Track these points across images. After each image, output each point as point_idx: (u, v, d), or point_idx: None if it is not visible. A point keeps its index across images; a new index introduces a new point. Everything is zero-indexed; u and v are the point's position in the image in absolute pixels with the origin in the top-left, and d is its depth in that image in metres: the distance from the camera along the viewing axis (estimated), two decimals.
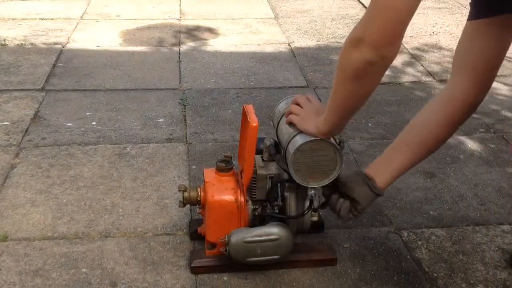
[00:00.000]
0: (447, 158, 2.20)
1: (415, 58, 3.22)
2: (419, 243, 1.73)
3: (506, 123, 2.51)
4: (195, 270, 1.56)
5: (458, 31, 3.65)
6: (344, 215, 1.49)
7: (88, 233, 1.73)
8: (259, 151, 1.57)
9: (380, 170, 1.47)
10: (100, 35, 3.55)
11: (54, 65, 3.04)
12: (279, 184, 1.56)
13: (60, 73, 2.95)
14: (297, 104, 1.51)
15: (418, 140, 1.47)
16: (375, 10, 1.18)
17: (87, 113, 2.51)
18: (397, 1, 1.15)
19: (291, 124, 1.50)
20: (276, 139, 1.64)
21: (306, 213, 1.55)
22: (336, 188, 1.51)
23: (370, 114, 2.50)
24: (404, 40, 1.44)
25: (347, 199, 1.48)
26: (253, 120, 1.43)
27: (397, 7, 1.16)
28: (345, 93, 1.33)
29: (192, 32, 3.67)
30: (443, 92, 1.46)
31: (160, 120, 2.47)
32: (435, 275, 1.59)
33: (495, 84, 2.90)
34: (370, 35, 1.19)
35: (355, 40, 1.22)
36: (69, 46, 3.35)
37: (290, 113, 1.50)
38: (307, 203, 1.52)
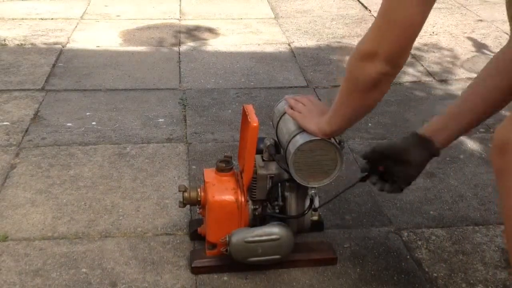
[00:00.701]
0: (447, 158, 2.20)
1: (415, 58, 3.22)
2: (419, 243, 1.73)
3: None
4: (195, 270, 1.56)
5: (458, 31, 3.67)
6: (390, 189, 1.48)
7: (88, 233, 1.73)
8: (259, 151, 1.57)
9: (438, 131, 1.44)
10: (100, 35, 3.55)
11: (54, 65, 3.04)
12: (279, 184, 1.56)
13: (60, 73, 2.95)
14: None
15: (480, 97, 1.43)
16: (389, 24, 1.18)
17: (87, 113, 2.51)
18: (413, 15, 1.15)
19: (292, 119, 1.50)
20: (276, 139, 1.64)
21: (306, 213, 1.56)
22: (377, 162, 1.48)
23: (370, 114, 2.48)
24: None
25: (392, 173, 1.45)
26: (254, 120, 1.43)
27: (413, 21, 1.16)
28: (354, 103, 1.34)
29: (192, 32, 3.67)
30: (501, 50, 1.43)
31: (160, 120, 2.47)
32: (435, 275, 1.59)
33: None
34: (385, 49, 1.19)
35: (368, 54, 1.21)
36: (69, 46, 3.35)
37: (291, 108, 1.51)
38: (307, 203, 1.52)
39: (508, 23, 1.31)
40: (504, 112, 1.41)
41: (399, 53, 1.21)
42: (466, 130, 1.46)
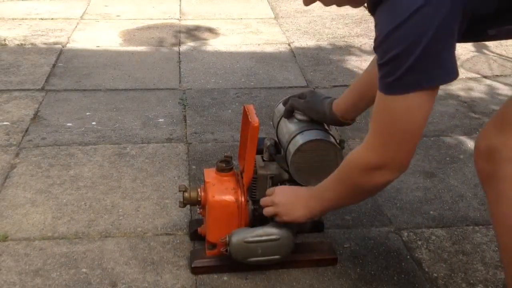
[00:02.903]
0: (447, 158, 2.20)
1: None
2: (419, 243, 1.72)
3: None
4: (195, 271, 1.56)
5: None
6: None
7: (88, 233, 1.73)
8: (259, 151, 1.57)
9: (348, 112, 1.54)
10: (100, 35, 3.55)
11: (54, 65, 3.04)
12: (279, 184, 1.56)
13: (60, 73, 2.95)
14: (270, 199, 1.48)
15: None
16: (397, 135, 1.16)
17: (87, 113, 2.51)
18: (422, 122, 1.14)
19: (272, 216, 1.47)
20: (276, 139, 1.64)
21: None
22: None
23: (370, 114, 2.50)
24: None
25: None
26: (254, 120, 1.43)
27: (422, 127, 1.14)
28: (353, 201, 1.39)
29: (192, 32, 3.67)
30: None
31: (160, 120, 2.47)
32: (435, 275, 1.59)
33: (495, 84, 2.91)
34: (395, 160, 1.19)
35: (377, 166, 1.19)
36: (69, 46, 3.35)
37: (267, 205, 1.47)
38: None
39: None
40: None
41: (409, 159, 1.19)
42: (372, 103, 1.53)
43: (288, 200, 1.44)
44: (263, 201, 1.48)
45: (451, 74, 1.09)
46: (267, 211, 1.47)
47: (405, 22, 1.03)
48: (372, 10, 1.13)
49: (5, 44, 3.33)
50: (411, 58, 1.04)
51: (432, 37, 1.02)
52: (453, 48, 1.08)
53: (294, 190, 1.46)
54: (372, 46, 1.12)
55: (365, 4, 1.19)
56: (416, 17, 1.02)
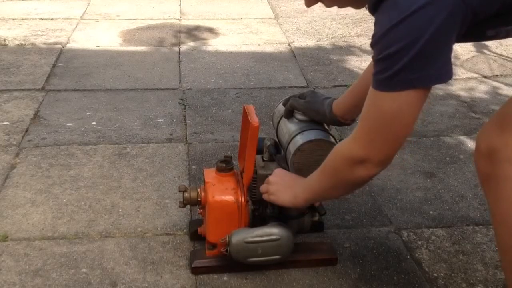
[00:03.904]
0: (447, 158, 2.20)
1: None
2: (419, 243, 1.72)
3: None
4: (195, 271, 1.56)
5: None
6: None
7: (88, 233, 1.73)
8: (259, 151, 1.57)
9: (348, 113, 1.55)
10: (100, 35, 3.55)
11: (54, 65, 3.04)
12: None
13: (60, 73, 2.95)
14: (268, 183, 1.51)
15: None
16: (384, 133, 1.16)
17: (87, 113, 2.51)
18: (411, 123, 1.14)
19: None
20: (276, 139, 1.64)
21: (306, 213, 1.56)
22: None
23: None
24: None
25: None
26: (254, 121, 1.43)
27: (410, 128, 1.15)
28: (336, 193, 1.39)
29: (192, 32, 3.67)
30: None
31: (160, 120, 2.47)
32: (435, 275, 1.59)
33: (495, 84, 2.91)
34: (379, 155, 1.19)
35: (360, 160, 1.20)
36: (69, 46, 3.35)
37: (266, 192, 1.50)
38: None
39: None
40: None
41: (392, 155, 1.20)
42: None
43: (281, 182, 1.47)
44: (261, 187, 1.51)
45: (445, 75, 1.09)
46: (261, 187, 1.51)
47: (404, 20, 1.03)
48: (373, 9, 1.13)
49: (5, 44, 3.33)
50: (407, 57, 1.04)
51: (430, 38, 1.02)
52: (450, 50, 1.08)
53: (290, 175, 1.49)
54: (370, 43, 1.12)
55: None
56: (415, 17, 1.02)
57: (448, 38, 1.05)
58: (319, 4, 1.26)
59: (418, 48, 1.03)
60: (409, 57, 1.04)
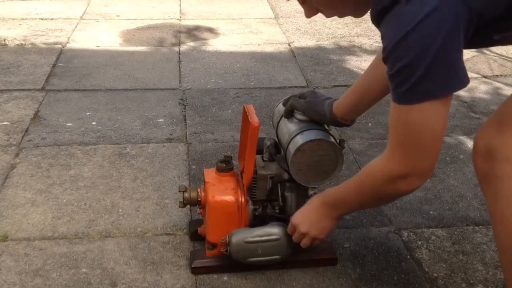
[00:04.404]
0: (447, 158, 2.20)
1: None
2: (419, 243, 1.72)
3: None
4: (195, 271, 1.56)
5: None
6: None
7: (88, 233, 1.73)
8: (259, 151, 1.57)
9: (348, 113, 1.54)
10: (100, 35, 3.55)
11: (54, 65, 3.04)
12: (279, 184, 1.56)
13: (60, 73, 2.95)
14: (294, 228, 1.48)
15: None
16: (418, 143, 1.14)
17: (87, 113, 2.51)
18: (441, 128, 1.13)
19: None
20: (276, 139, 1.64)
21: None
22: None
23: (370, 114, 2.50)
24: None
25: None
26: (254, 121, 1.43)
27: (442, 133, 1.14)
28: (375, 205, 1.47)
29: (192, 32, 3.67)
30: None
31: (160, 120, 2.47)
32: (435, 275, 1.59)
33: (495, 84, 2.91)
34: (419, 168, 1.17)
35: (401, 176, 1.18)
36: (69, 46, 3.35)
37: (298, 240, 1.47)
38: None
39: None
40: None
41: (433, 165, 1.18)
42: (372, 105, 1.54)
43: (312, 220, 1.43)
44: (295, 238, 1.47)
45: (463, 81, 1.08)
46: (304, 243, 1.46)
47: (413, 30, 1.02)
48: (377, 22, 1.12)
49: (5, 44, 3.33)
50: (422, 67, 1.03)
51: (441, 45, 1.01)
52: (461, 55, 1.07)
53: (309, 210, 1.44)
54: (381, 56, 1.10)
55: (369, 15, 1.18)
56: (423, 25, 1.01)
57: (457, 43, 1.04)
58: None
59: (432, 56, 1.02)
60: (424, 67, 1.03)
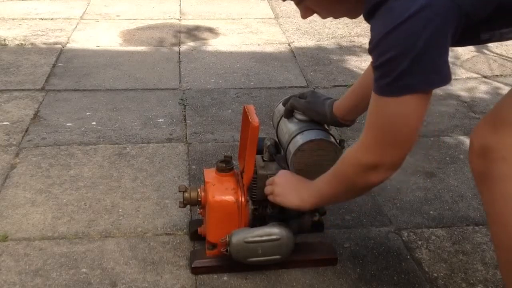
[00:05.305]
0: (447, 158, 2.20)
1: None
2: (419, 243, 1.72)
3: None
4: (195, 271, 1.56)
5: None
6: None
7: (88, 233, 1.73)
8: (259, 151, 1.57)
9: (348, 113, 1.55)
10: (100, 35, 3.55)
11: (54, 65, 3.04)
12: None
13: (60, 73, 2.95)
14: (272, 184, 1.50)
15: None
16: (393, 137, 1.16)
17: (87, 113, 2.51)
18: (418, 125, 1.14)
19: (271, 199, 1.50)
20: (276, 139, 1.64)
21: (306, 213, 1.55)
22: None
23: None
24: None
25: None
26: (254, 121, 1.43)
27: (418, 129, 1.15)
28: (346, 197, 1.44)
29: (192, 32, 3.67)
30: None
31: (160, 120, 2.47)
32: (435, 275, 1.59)
33: (495, 84, 2.91)
34: (390, 160, 1.19)
35: (372, 166, 1.20)
36: (69, 46, 3.35)
37: (271, 193, 1.50)
38: None
39: None
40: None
41: (403, 159, 1.20)
42: None
43: (286, 183, 1.46)
44: (268, 180, 1.51)
45: (445, 78, 1.10)
46: (266, 189, 1.50)
47: (400, 26, 1.03)
48: (368, 17, 1.13)
49: (5, 44, 3.33)
50: (405, 62, 1.05)
51: (427, 42, 1.03)
52: (447, 53, 1.08)
53: (296, 177, 1.48)
54: (367, 49, 1.13)
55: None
56: (411, 22, 1.03)
57: (444, 41, 1.06)
58: None
59: (415, 53, 1.04)
60: (408, 62, 1.05)
